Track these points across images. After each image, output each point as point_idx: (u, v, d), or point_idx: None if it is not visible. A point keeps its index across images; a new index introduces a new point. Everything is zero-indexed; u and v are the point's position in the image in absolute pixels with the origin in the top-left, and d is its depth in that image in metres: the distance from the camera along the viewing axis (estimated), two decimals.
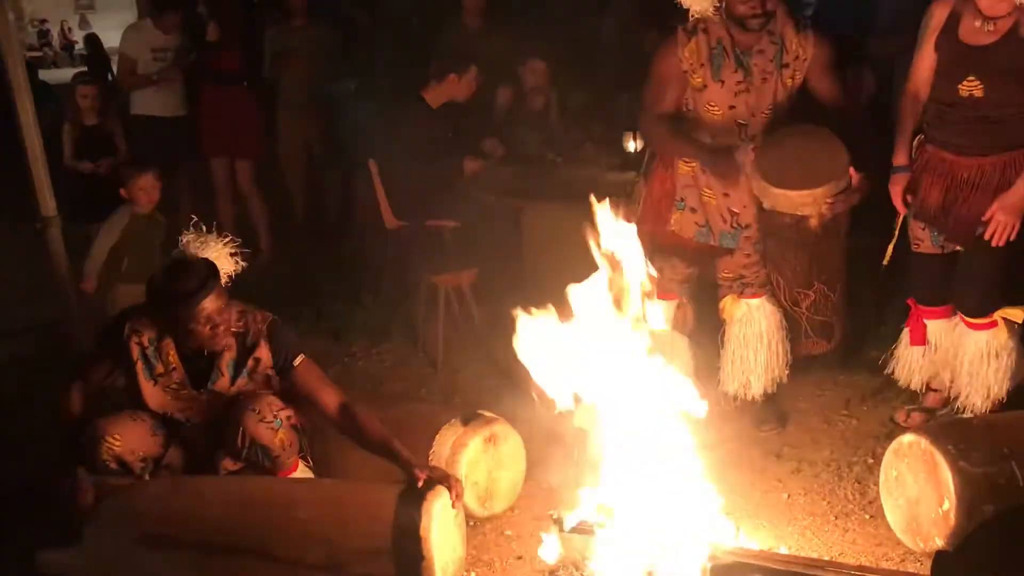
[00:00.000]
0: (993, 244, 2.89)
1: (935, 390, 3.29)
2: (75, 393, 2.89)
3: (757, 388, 3.37)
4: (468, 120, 4.79)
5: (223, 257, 2.84)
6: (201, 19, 5.87)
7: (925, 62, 3.00)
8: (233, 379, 2.81)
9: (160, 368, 2.80)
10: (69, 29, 24.55)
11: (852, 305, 3.79)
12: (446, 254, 4.31)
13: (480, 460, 2.89)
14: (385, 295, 4.74)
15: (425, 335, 4.26)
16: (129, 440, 2.76)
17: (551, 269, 4.41)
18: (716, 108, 3.14)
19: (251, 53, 5.67)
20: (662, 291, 3.38)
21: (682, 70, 3.12)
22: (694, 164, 3.22)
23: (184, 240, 2.84)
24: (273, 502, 2.57)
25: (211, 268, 2.72)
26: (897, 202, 3.13)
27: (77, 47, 23.21)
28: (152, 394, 2.82)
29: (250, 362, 2.81)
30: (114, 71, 7.51)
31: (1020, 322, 3.05)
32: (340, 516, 2.49)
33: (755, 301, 3.36)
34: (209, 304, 2.65)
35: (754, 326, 3.35)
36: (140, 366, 2.80)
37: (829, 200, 2.88)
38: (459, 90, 4.55)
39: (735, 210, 3.22)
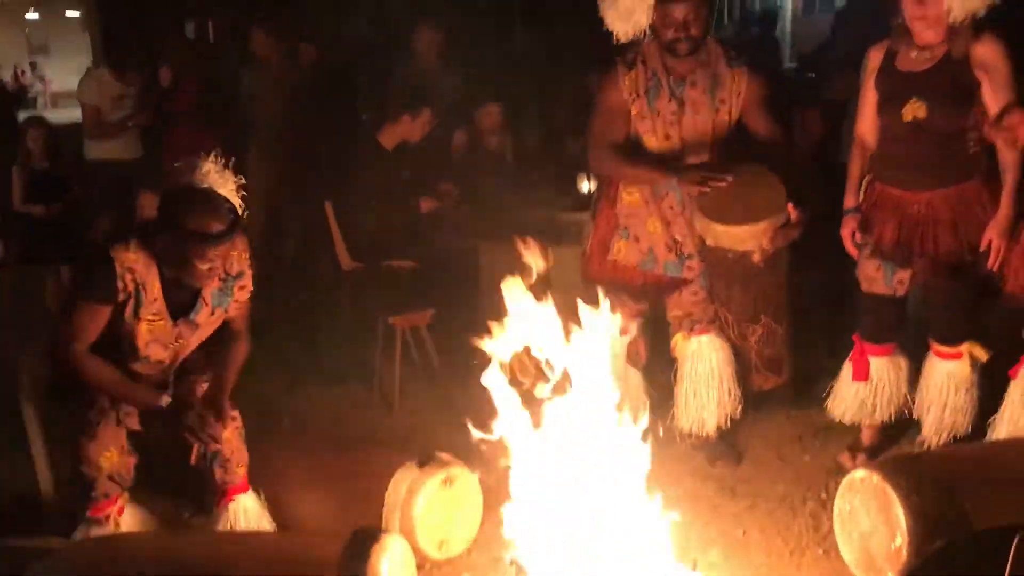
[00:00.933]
0: (992, 267, 2.93)
1: (870, 427, 3.33)
2: (87, 360, 2.63)
3: (710, 424, 3.39)
4: (423, 161, 4.81)
5: (234, 196, 2.70)
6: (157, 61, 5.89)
7: (868, 103, 3.09)
8: (213, 309, 2.78)
9: (145, 301, 2.66)
10: (22, 72, 24.32)
11: (803, 341, 3.85)
12: (403, 295, 4.31)
13: (436, 503, 2.87)
14: (341, 337, 4.71)
15: (381, 377, 4.23)
16: (114, 451, 2.74)
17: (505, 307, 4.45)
18: (653, 138, 3.21)
19: (208, 94, 5.67)
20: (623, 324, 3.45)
21: (624, 100, 3.19)
22: (639, 193, 3.27)
23: (205, 168, 2.63)
24: (209, 562, 2.44)
25: (235, 212, 2.62)
26: (848, 245, 3.19)
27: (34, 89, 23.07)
28: (141, 333, 2.68)
29: (236, 291, 2.80)
30: None
31: (984, 360, 3.11)
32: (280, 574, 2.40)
33: (704, 337, 3.40)
34: (225, 249, 2.61)
35: (705, 362, 3.39)
36: (131, 303, 2.64)
37: (770, 235, 2.94)
38: (413, 131, 4.57)
39: (678, 238, 3.28)
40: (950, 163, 2.94)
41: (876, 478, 2.58)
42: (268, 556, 2.51)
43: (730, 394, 3.38)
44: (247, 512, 2.89)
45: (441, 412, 3.98)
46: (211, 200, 2.58)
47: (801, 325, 3.76)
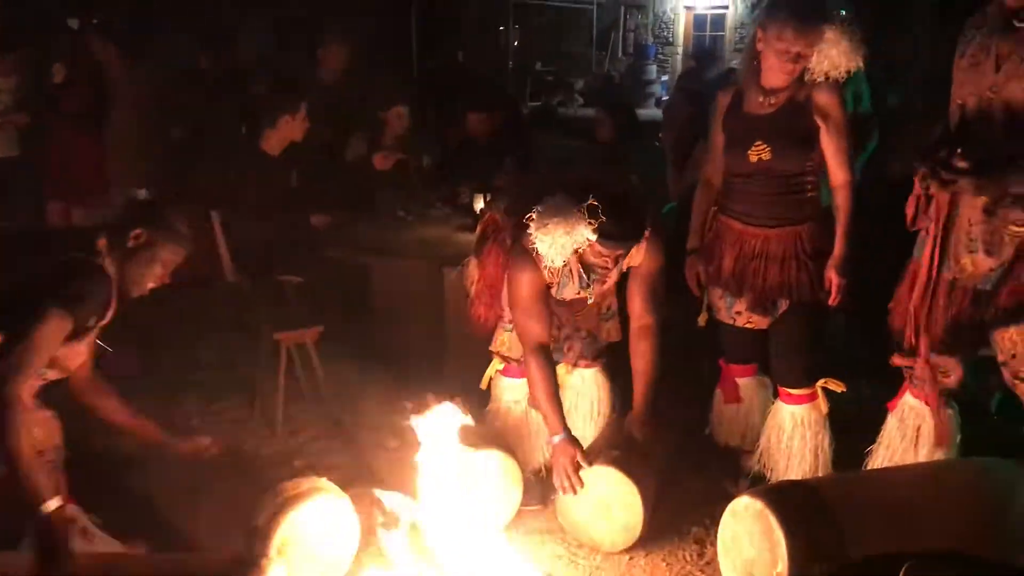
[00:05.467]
0: (832, 304, 3.04)
1: (748, 451, 3.39)
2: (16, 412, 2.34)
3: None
4: (313, 168, 4.69)
5: None
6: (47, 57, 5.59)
7: (717, 145, 3.18)
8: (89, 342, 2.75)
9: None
10: None
11: (691, 370, 3.91)
12: (290, 310, 4.17)
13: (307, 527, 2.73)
14: (224, 351, 4.54)
15: (264, 395, 4.08)
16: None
17: (399, 327, 4.37)
18: (561, 314, 3.25)
19: (100, 93, 5.44)
20: (515, 369, 3.38)
21: (545, 281, 3.02)
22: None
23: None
24: None
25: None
26: (691, 284, 3.30)
27: None
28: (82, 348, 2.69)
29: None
30: None
31: (840, 391, 3.19)
32: None
33: (588, 371, 3.41)
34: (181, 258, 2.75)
35: (587, 395, 3.40)
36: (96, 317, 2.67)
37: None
38: (295, 130, 4.43)
39: (560, 324, 3.29)
40: (789, 204, 3.06)
41: (759, 505, 2.62)
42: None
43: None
44: None
45: (326, 432, 3.87)
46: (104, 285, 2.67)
47: (691, 354, 3.84)
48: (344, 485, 2.87)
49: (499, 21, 17.32)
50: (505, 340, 3.31)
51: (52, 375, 2.63)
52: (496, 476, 3.09)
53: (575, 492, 2.94)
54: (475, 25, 16.53)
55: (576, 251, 2.84)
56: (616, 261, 2.92)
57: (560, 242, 2.75)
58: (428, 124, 6.42)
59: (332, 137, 5.10)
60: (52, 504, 2.34)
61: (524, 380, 3.28)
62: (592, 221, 2.72)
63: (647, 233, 2.91)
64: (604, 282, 3.09)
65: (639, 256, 3.00)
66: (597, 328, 3.36)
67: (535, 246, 2.80)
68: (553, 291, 3.11)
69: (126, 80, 5.51)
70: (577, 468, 2.95)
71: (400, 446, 3.22)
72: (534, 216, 2.76)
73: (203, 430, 3.88)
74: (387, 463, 3.40)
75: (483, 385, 3.40)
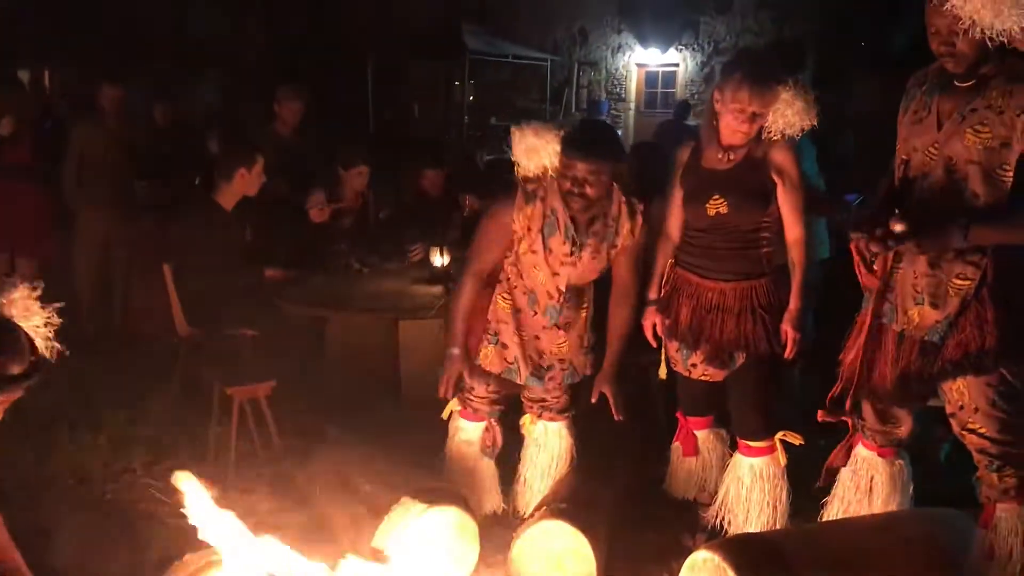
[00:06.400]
0: (788, 357, 3.11)
1: (705, 504, 3.40)
2: None
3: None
4: (266, 222, 4.67)
5: (38, 332, 2.34)
6: None
7: (676, 199, 3.24)
8: None
9: None
10: None
11: (641, 424, 3.92)
12: (242, 364, 4.11)
13: None
14: (173, 406, 4.44)
15: (216, 451, 4.00)
16: None
17: (353, 381, 4.33)
18: (539, 271, 3.22)
19: (43, 148, 5.41)
20: (471, 412, 3.43)
21: (512, 231, 3.18)
22: (511, 302, 3.29)
23: (15, 295, 2.27)
24: None
25: (36, 353, 2.25)
26: (648, 335, 3.33)
27: None
28: None
29: None
30: None
31: (798, 444, 3.21)
32: None
33: (553, 425, 3.43)
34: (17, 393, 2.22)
35: (547, 451, 3.41)
36: None
37: None
38: (250, 184, 4.41)
39: (540, 350, 3.31)
40: (744, 258, 3.13)
41: (718, 559, 2.61)
42: None
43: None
44: None
45: (278, 489, 3.79)
46: (13, 338, 2.24)
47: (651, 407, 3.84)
48: (298, 545, 2.80)
49: (455, 76, 17.54)
50: (488, 353, 3.32)
51: None
52: (453, 532, 3.05)
53: (448, 399, 3.31)
54: (430, 80, 16.72)
55: (551, 176, 3.09)
56: (583, 185, 3.03)
57: (530, 144, 3.06)
58: (384, 178, 6.45)
59: (290, 192, 5.10)
60: None
61: (477, 424, 3.41)
62: (564, 133, 3.05)
63: (639, 207, 3.15)
64: (594, 248, 3.15)
65: (632, 237, 3.18)
66: (579, 360, 3.36)
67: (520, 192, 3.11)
68: (533, 243, 3.14)
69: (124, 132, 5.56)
70: (459, 382, 3.26)
71: (355, 504, 3.18)
72: (513, 128, 3.08)
73: (150, 488, 3.81)
74: (341, 521, 3.34)
75: (444, 415, 3.47)
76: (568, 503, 3.07)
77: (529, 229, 3.16)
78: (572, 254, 3.16)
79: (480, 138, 16.07)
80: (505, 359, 3.31)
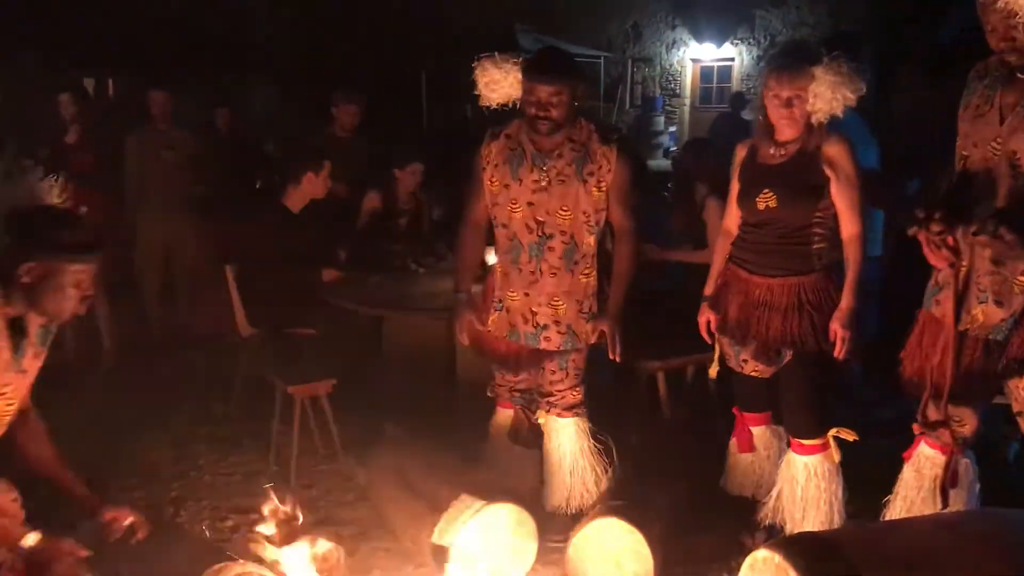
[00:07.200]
0: (839, 357, 3.03)
1: (762, 502, 3.36)
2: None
3: (576, 504, 3.37)
4: (331, 224, 4.74)
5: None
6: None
7: (733, 194, 3.24)
8: (37, 351, 2.45)
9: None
10: None
11: (699, 422, 3.90)
12: (303, 363, 4.18)
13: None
14: (237, 405, 4.55)
15: (278, 448, 4.08)
16: None
17: (410, 380, 4.38)
18: (516, 206, 3.26)
19: (104, 155, 5.55)
20: (500, 401, 3.51)
21: (481, 168, 3.30)
22: (505, 264, 3.35)
23: (48, 185, 2.39)
24: None
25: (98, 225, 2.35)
26: (702, 331, 3.32)
27: None
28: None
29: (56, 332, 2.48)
30: None
31: (852, 440, 3.16)
32: None
33: (562, 421, 3.41)
34: (95, 266, 2.35)
35: (559, 446, 3.39)
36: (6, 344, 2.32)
37: None
38: (318, 188, 4.49)
39: (534, 309, 3.31)
40: (793, 254, 3.08)
41: (778, 558, 2.59)
42: None
43: (584, 483, 3.37)
44: None
45: (338, 486, 3.86)
46: (72, 214, 2.39)
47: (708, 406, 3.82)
48: (357, 540, 2.85)
49: None
50: (496, 319, 3.37)
51: None
52: (512, 529, 3.07)
53: (466, 343, 3.40)
54: None
55: (516, 102, 3.18)
56: (547, 108, 3.10)
57: (494, 77, 3.19)
58: (439, 178, 6.50)
59: (347, 194, 5.18)
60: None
61: (508, 412, 3.51)
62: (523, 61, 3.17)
63: (615, 148, 3.22)
64: (562, 173, 3.20)
65: (611, 173, 3.22)
66: (577, 325, 3.31)
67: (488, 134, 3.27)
68: (504, 175, 3.24)
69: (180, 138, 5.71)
70: (472, 325, 3.36)
71: (414, 500, 3.21)
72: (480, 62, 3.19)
73: (215, 484, 3.91)
74: (401, 517, 3.39)
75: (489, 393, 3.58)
76: (623, 501, 3.06)
77: (496, 164, 3.26)
78: (539, 180, 3.20)
79: None
80: (509, 322, 3.35)
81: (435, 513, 3.01)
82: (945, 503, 2.84)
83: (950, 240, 2.53)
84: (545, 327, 3.30)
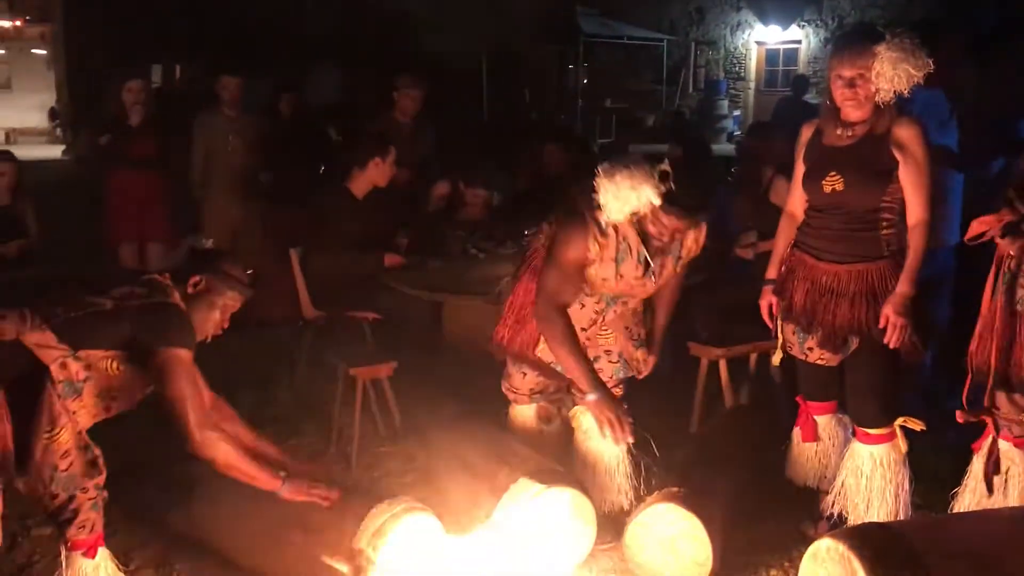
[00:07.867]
0: (891, 345, 2.96)
1: (826, 492, 3.31)
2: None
3: (613, 502, 3.33)
4: (395, 210, 4.78)
5: None
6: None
7: (798, 177, 3.16)
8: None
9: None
10: None
11: (762, 410, 3.84)
12: (365, 346, 4.24)
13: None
14: (299, 387, 4.62)
15: (340, 430, 4.14)
16: None
17: (470, 363, 4.40)
18: (609, 286, 3.19)
19: (165, 139, 5.68)
20: (519, 398, 3.46)
21: (589, 259, 3.10)
22: (595, 306, 3.24)
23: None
24: None
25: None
26: (764, 315, 3.27)
27: None
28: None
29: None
30: None
31: (919, 430, 3.10)
32: None
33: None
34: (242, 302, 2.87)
35: (595, 443, 3.33)
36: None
37: None
38: (382, 175, 4.53)
39: (587, 344, 3.24)
40: (861, 240, 3.00)
41: (842, 548, 2.55)
42: None
43: (617, 483, 3.32)
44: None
45: (400, 468, 3.90)
46: (227, 266, 2.89)
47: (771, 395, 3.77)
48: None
49: (568, 60, 17.49)
50: (544, 349, 3.29)
51: (116, 408, 2.67)
52: (569, 514, 3.08)
53: (629, 440, 3.08)
54: (542, 64, 16.72)
55: (635, 217, 2.95)
56: (672, 237, 3.00)
57: (624, 195, 2.86)
58: (497, 164, 6.52)
59: (409, 179, 5.21)
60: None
61: (528, 405, 3.47)
62: (660, 185, 2.84)
63: (703, 225, 3.09)
64: (663, 266, 3.12)
65: (696, 247, 3.16)
66: (628, 353, 3.32)
67: (595, 207, 2.95)
68: (606, 268, 3.09)
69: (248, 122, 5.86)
70: (625, 418, 3.04)
71: (474, 482, 3.24)
72: (603, 167, 2.89)
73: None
74: (462, 499, 3.41)
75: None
76: (682, 488, 3.05)
77: (601, 259, 3.10)
78: (644, 275, 3.13)
79: (594, 122, 16.01)
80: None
81: (494, 495, 3.03)
82: (990, 491, 2.78)
83: None
84: (596, 359, 3.28)
